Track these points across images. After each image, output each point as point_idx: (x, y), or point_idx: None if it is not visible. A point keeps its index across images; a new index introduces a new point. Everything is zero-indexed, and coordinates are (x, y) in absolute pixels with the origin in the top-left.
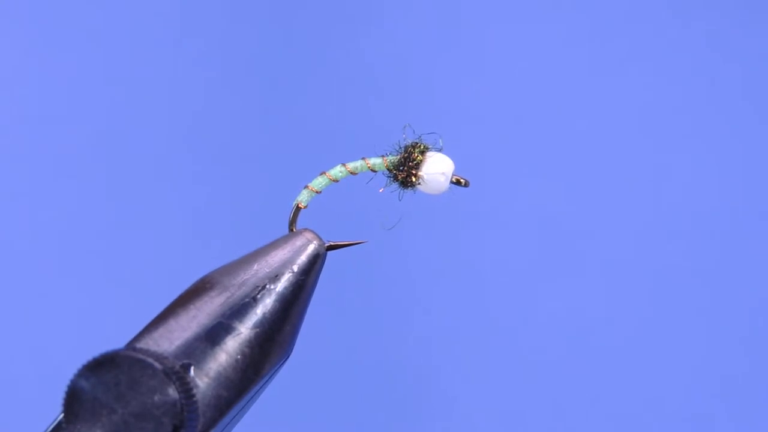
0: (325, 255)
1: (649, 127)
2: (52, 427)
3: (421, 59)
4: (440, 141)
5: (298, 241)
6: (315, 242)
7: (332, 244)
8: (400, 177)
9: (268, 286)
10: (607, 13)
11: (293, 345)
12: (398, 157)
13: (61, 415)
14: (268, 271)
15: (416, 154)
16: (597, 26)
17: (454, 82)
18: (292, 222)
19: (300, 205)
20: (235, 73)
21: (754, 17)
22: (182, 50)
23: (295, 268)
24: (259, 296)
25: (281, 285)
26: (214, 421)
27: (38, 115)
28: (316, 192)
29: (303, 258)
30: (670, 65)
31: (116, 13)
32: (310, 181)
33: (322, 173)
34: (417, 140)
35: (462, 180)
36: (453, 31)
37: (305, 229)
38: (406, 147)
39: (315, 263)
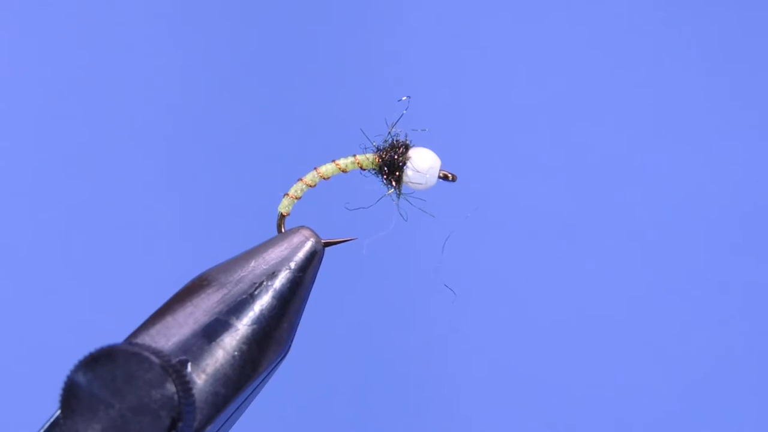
0: (322, 252)
1: (647, 127)
2: (49, 423)
3: (418, 57)
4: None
5: (296, 238)
6: (312, 239)
7: (328, 241)
8: (385, 173)
9: (265, 283)
10: (600, 11)
11: (291, 342)
12: (381, 154)
13: (59, 411)
14: (265, 267)
15: (401, 149)
16: (594, 24)
17: (454, 81)
18: (279, 228)
19: (283, 213)
20: (230, 70)
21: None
22: (177, 50)
23: (293, 265)
24: (256, 293)
25: (278, 282)
26: (210, 418)
27: (37, 114)
28: (307, 187)
29: (300, 255)
30: (668, 64)
31: (103, 10)
32: (299, 181)
33: (301, 178)
34: (399, 138)
35: (449, 175)
36: (452, 29)
37: (302, 227)
38: (390, 144)
39: (312, 260)
